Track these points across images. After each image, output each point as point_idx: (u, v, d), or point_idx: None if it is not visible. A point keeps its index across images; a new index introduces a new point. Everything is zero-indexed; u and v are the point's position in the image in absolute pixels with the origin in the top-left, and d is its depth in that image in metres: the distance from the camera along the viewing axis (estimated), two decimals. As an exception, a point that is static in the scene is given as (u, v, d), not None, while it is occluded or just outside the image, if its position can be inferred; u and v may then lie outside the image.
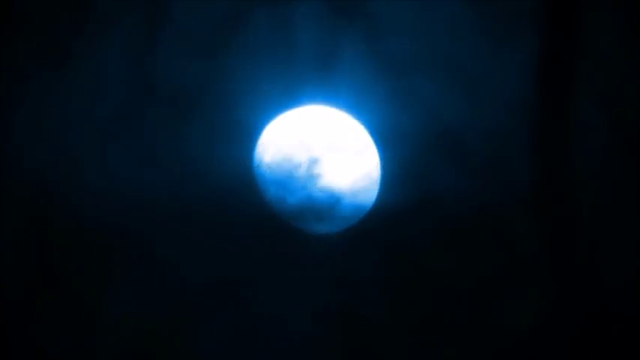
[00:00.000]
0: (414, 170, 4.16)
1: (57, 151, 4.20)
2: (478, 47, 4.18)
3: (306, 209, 4.04)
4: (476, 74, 4.18)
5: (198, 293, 4.15)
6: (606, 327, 4.13)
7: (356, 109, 4.12)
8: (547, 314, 4.15)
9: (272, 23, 4.17)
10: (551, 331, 4.14)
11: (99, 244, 4.16)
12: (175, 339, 4.16)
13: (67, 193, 4.18)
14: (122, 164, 4.18)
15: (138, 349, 4.15)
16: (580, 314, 4.15)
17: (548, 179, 4.19)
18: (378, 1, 4.17)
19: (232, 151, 4.14)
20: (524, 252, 4.17)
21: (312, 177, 4.01)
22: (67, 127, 4.20)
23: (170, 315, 4.15)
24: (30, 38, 4.20)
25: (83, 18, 4.21)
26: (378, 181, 4.10)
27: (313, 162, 4.02)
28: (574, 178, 4.18)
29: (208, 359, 4.16)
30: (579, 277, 4.16)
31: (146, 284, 4.14)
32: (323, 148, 4.04)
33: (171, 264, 4.14)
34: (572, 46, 4.19)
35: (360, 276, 4.16)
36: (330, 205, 4.04)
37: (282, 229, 4.11)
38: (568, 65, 4.19)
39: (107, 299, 4.14)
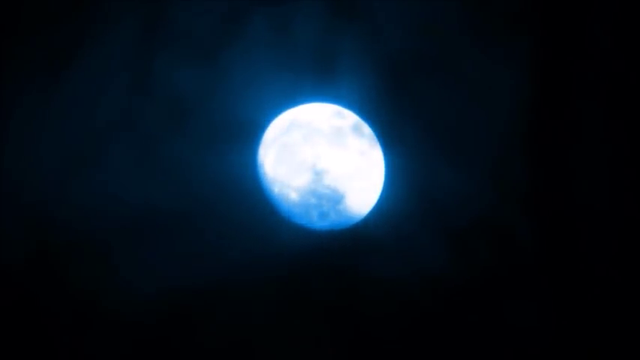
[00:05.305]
0: (414, 169, 4.17)
1: (55, 155, 4.19)
2: (478, 48, 4.20)
3: (308, 207, 4.04)
4: (476, 74, 4.19)
5: (199, 292, 4.14)
6: (606, 327, 4.14)
7: (356, 108, 4.13)
8: (547, 314, 4.15)
9: (272, 23, 4.18)
10: (551, 331, 4.14)
11: (98, 247, 4.15)
12: (175, 340, 4.15)
13: (66, 196, 4.17)
14: (123, 166, 4.18)
15: (138, 349, 4.14)
16: (580, 314, 4.15)
17: (548, 179, 4.20)
18: (377, 1, 4.18)
19: (235, 150, 4.14)
20: (524, 252, 4.18)
21: (314, 175, 4.02)
22: (65, 129, 4.19)
23: (170, 315, 4.14)
24: (28, 40, 4.20)
25: (82, 19, 4.20)
26: (381, 180, 4.11)
27: (316, 160, 4.02)
28: (574, 178, 4.20)
29: (208, 359, 4.15)
30: (579, 277, 4.16)
31: (146, 285, 4.14)
32: (325, 146, 4.04)
33: (172, 263, 4.14)
34: (572, 46, 4.21)
35: (360, 274, 4.16)
36: (332, 202, 4.04)
37: (285, 226, 4.11)
38: (568, 65, 4.21)
39: (107, 300, 4.13)
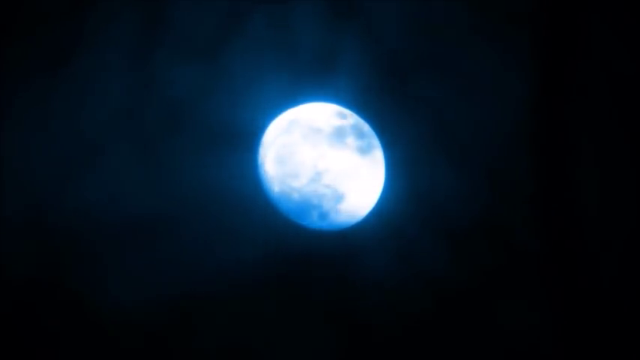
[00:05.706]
0: (414, 169, 4.17)
1: (52, 155, 4.18)
2: (478, 48, 4.20)
3: (308, 207, 4.04)
4: (476, 74, 4.19)
5: (198, 293, 4.14)
6: (606, 327, 4.14)
7: (356, 108, 4.13)
8: (548, 315, 4.15)
9: (272, 23, 4.18)
10: (552, 332, 4.14)
11: (97, 250, 4.15)
12: (174, 341, 4.15)
13: (65, 196, 4.16)
14: (122, 166, 4.17)
15: (137, 349, 4.13)
16: (580, 315, 4.15)
17: (548, 180, 4.20)
18: (377, 1, 4.18)
19: (235, 150, 4.14)
20: (525, 253, 4.18)
21: (314, 175, 4.01)
22: (64, 130, 4.19)
23: (170, 316, 4.14)
24: (27, 39, 4.19)
25: (82, 19, 4.20)
26: (381, 180, 4.11)
27: (316, 160, 4.02)
28: (574, 178, 4.19)
29: (209, 359, 4.16)
30: (580, 277, 4.16)
31: (146, 287, 4.13)
32: (325, 146, 4.04)
33: (172, 265, 4.13)
34: (572, 46, 4.21)
35: (360, 274, 4.16)
36: (332, 202, 4.04)
37: (285, 226, 4.11)
38: (568, 65, 4.21)
39: (106, 300, 4.13)
